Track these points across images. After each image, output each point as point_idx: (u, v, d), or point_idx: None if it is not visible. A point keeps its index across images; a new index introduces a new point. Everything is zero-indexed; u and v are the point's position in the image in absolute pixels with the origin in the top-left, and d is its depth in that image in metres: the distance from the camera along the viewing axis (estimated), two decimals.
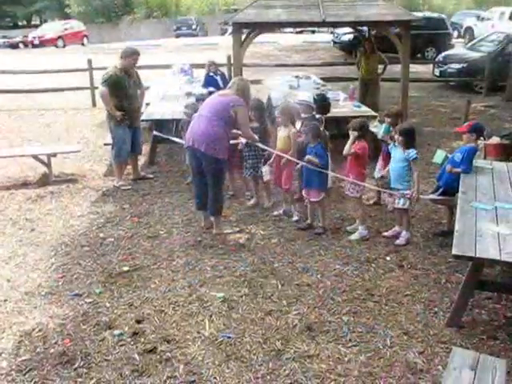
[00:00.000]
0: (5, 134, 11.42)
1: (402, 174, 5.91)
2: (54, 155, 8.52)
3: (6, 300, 5.03)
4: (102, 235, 6.38)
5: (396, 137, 5.95)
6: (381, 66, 11.89)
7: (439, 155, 6.33)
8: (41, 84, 15.48)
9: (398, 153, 5.97)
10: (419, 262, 5.61)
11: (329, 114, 8.05)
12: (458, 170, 5.79)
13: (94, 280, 5.36)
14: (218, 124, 5.99)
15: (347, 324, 4.55)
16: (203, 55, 18.41)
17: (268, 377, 3.94)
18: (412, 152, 5.84)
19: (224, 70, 12.63)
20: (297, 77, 11.98)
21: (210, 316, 4.68)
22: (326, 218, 6.48)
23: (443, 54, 17.85)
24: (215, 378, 3.94)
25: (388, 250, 5.87)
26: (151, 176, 8.43)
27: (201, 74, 11.53)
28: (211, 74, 11.26)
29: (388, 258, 5.69)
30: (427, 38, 20.68)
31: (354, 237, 6.15)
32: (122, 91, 7.71)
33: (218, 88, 11.19)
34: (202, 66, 11.70)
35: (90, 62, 14.36)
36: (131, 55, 7.81)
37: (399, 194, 5.92)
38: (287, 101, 7.54)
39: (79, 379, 3.95)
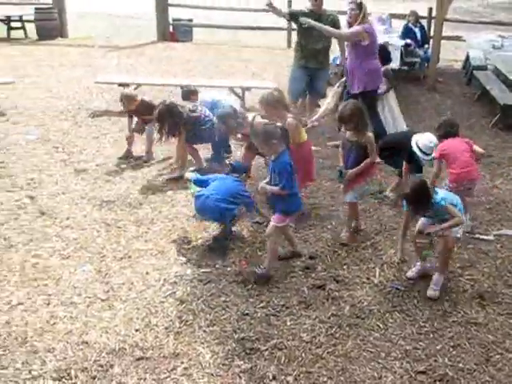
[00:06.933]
0: (204, 66, 12.10)
1: None
2: (248, 89, 8.91)
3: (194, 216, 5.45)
4: None
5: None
6: None
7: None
8: (240, 21, 16.03)
9: None
10: None
11: None
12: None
13: None
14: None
15: None
16: (403, 5, 17.77)
17: (431, 335, 3.92)
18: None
19: (424, 22, 12.08)
20: (501, 36, 11.23)
21: (382, 265, 4.72)
22: None
23: None
24: (378, 325, 4.00)
25: None
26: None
27: (399, 25, 11.21)
28: (410, 25, 10.90)
29: None
30: None
31: None
32: (302, 29, 7.61)
33: (416, 41, 10.83)
34: (400, 16, 11.33)
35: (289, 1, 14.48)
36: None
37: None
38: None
39: (250, 299, 4.24)
